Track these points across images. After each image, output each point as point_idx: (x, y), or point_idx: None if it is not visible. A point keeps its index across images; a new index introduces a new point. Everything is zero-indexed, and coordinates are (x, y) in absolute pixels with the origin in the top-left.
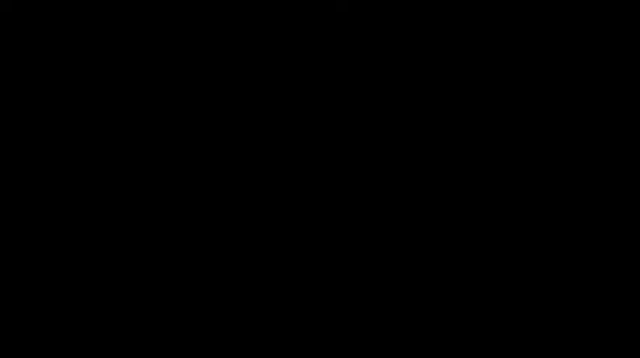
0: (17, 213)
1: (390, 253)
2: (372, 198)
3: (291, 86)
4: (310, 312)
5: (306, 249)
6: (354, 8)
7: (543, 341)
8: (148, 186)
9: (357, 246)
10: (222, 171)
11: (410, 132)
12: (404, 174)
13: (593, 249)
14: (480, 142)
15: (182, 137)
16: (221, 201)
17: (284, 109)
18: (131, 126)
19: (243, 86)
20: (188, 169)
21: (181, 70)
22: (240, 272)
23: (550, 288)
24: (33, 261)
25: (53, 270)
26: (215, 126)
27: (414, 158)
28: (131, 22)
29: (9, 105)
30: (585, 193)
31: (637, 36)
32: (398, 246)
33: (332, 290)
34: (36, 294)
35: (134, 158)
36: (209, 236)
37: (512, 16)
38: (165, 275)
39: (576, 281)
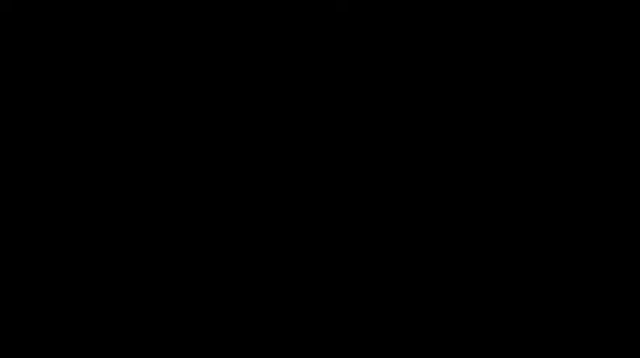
0: (17, 213)
1: (390, 253)
2: (372, 198)
3: (291, 86)
4: (310, 312)
5: (306, 248)
6: (354, 8)
7: (543, 341)
8: (148, 186)
9: (356, 245)
10: (222, 171)
11: (409, 132)
12: (404, 174)
13: (593, 248)
14: (480, 142)
15: (182, 137)
16: (221, 201)
17: (284, 109)
18: (131, 126)
19: (243, 86)
20: (188, 169)
21: (181, 69)
22: (240, 272)
23: (550, 288)
24: (33, 260)
25: (53, 270)
26: (215, 125)
27: (413, 158)
28: (131, 22)
29: (9, 105)
30: (585, 193)
31: (637, 36)
32: (398, 246)
33: (332, 290)
34: (36, 294)
35: (134, 158)
36: (209, 236)
37: (512, 16)
38: (165, 275)
39: (576, 281)
